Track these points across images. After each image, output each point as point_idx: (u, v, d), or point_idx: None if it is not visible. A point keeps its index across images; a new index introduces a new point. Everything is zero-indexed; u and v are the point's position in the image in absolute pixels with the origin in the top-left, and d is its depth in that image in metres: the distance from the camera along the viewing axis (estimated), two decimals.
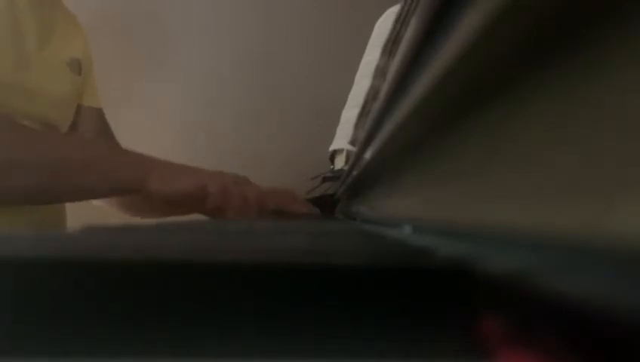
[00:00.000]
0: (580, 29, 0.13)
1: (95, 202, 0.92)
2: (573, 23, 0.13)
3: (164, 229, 0.34)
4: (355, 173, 0.57)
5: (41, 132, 0.77)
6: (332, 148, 0.97)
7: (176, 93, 1.34)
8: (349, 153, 0.87)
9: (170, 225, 0.39)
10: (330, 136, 0.99)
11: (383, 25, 0.86)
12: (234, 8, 1.35)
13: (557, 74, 0.14)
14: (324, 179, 0.99)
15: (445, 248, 0.21)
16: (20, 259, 0.14)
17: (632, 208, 0.10)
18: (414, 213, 0.31)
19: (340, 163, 0.93)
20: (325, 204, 0.96)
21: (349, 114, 0.90)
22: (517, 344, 0.12)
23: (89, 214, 0.85)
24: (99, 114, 0.97)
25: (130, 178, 0.74)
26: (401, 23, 0.52)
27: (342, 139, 0.92)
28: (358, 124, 0.75)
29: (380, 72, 0.64)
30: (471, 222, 0.20)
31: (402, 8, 0.56)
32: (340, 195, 0.90)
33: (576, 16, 0.13)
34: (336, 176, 0.94)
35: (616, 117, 0.11)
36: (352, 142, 0.81)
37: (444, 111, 0.24)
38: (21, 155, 0.67)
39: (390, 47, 0.60)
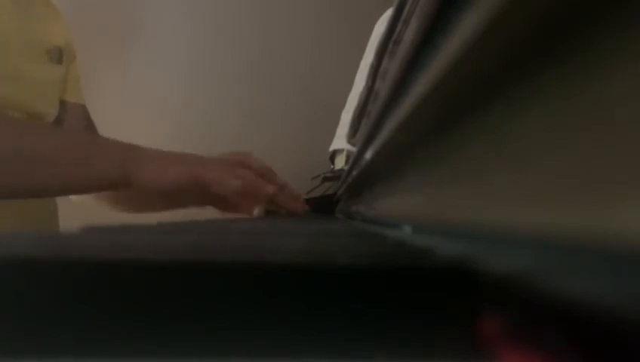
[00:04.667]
0: (580, 29, 0.13)
1: (75, 198, 0.85)
2: (573, 23, 0.13)
3: (165, 229, 0.34)
4: (355, 173, 0.57)
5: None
6: (332, 148, 0.97)
7: (175, 92, 1.34)
8: (349, 153, 0.87)
9: (170, 225, 0.39)
10: (330, 136, 0.99)
11: (383, 26, 0.86)
12: (234, 8, 1.35)
13: (557, 74, 0.14)
14: (324, 179, 0.99)
15: (445, 248, 0.21)
16: (20, 259, 0.14)
17: (632, 208, 0.10)
18: (414, 213, 0.31)
19: (340, 163, 0.93)
20: (325, 204, 0.96)
21: (349, 114, 0.90)
22: (517, 344, 0.12)
23: (86, 214, 0.85)
24: (84, 110, 0.93)
25: (113, 170, 0.65)
26: (401, 22, 0.52)
27: (342, 139, 0.92)
28: (352, 124, 0.75)
29: (372, 72, 0.64)
30: (471, 222, 0.20)
31: (398, 8, 0.56)
32: (340, 195, 0.90)
33: (576, 16, 0.13)
34: (336, 176, 0.94)
35: (617, 117, 0.11)
36: (349, 140, 0.81)
37: (444, 110, 0.24)
38: None
39: (383, 47, 0.60)
